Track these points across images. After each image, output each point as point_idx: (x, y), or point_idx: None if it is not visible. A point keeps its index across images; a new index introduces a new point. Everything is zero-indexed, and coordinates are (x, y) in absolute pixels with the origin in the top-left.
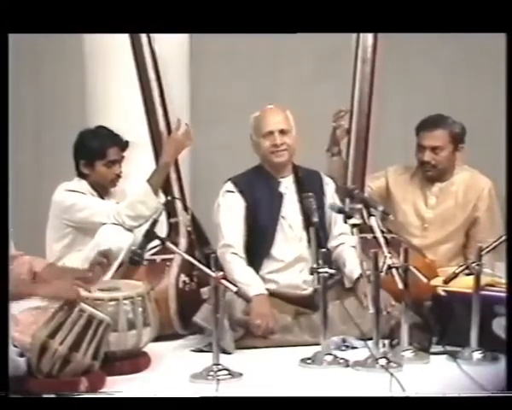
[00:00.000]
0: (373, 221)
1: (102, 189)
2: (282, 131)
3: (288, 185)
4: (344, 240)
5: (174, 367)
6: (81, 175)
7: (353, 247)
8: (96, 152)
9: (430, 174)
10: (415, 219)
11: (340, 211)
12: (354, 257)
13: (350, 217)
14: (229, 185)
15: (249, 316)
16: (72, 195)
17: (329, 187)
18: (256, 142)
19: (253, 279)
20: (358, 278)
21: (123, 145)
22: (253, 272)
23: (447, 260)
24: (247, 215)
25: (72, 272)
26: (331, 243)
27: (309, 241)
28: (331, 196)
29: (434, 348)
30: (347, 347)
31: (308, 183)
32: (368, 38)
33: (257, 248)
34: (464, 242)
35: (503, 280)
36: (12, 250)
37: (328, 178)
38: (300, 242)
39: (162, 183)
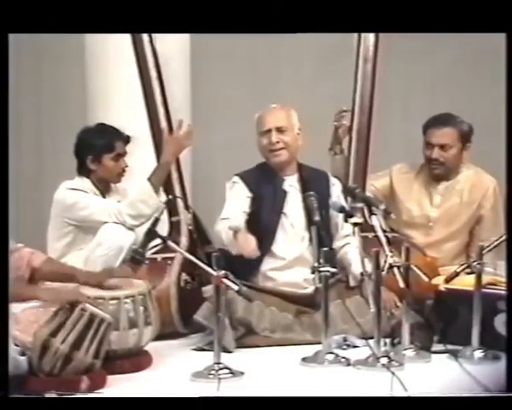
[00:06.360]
0: (374, 220)
1: (105, 186)
2: (279, 129)
3: (292, 184)
4: (350, 240)
5: (175, 366)
6: (85, 172)
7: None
8: (104, 146)
9: (437, 172)
10: (419, 217)
11: (341, 210)
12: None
13: (351, 216)
14: (236, 178)
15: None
16: (73, 193)
17: (335, 188)
18: (257, 140)
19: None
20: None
21: (126, 139)
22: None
23: (451, 259)
24: (251, 206)
25: (77, 274)
26: (337, 243)
27: (311, 240)
28: (337, 197)
29: (436, 347)
30: (348, 346)
31: (313, 182)
32: (369, 37)
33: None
34: (468, 240)
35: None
36: (12, 244)
37: (334, 179)
38: (302, 241)
39: (163, 181)
